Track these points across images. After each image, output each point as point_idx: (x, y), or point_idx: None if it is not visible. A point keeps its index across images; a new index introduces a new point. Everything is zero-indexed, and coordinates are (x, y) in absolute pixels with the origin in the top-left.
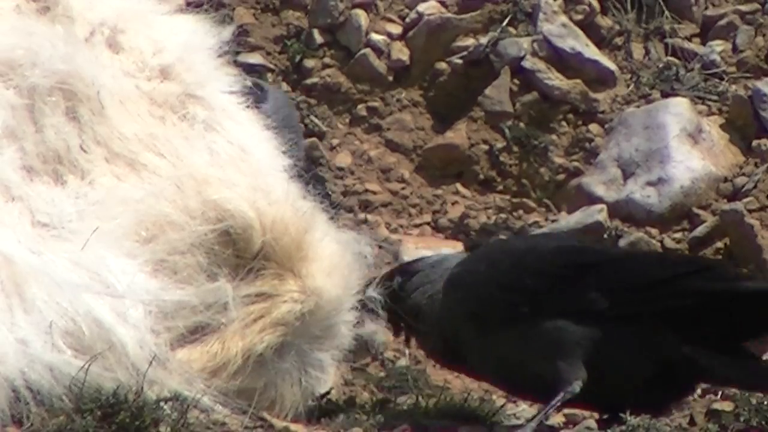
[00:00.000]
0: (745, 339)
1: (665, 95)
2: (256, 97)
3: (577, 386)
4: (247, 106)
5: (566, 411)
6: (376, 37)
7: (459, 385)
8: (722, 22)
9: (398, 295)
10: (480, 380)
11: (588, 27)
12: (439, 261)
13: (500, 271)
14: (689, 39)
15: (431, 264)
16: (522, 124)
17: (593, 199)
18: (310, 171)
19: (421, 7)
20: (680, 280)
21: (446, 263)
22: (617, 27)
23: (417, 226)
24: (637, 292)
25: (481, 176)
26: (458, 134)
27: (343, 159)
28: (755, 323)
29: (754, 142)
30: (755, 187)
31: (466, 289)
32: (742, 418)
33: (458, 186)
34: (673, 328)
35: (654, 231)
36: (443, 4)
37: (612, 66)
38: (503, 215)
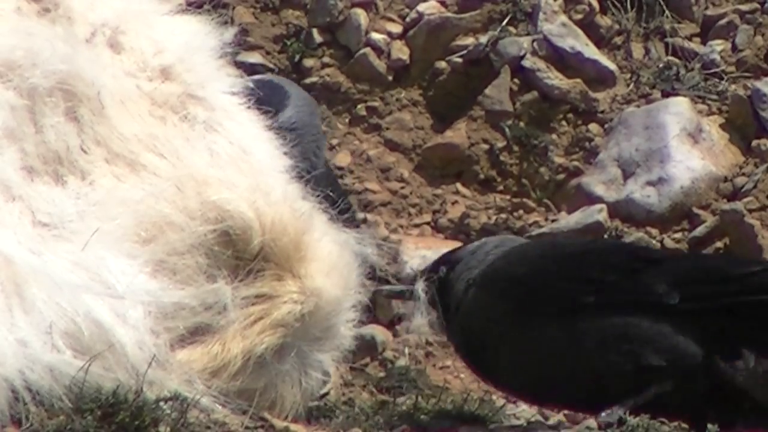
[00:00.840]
0: None
1: (665, 95)
2: (274, 100)
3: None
4: (248, 107)
5: (566, 411)
6: (375, 36)
7: (459, 385)
8: (722, 21)
9: (443, 286)
10: (503, 390)
11: (588, 26)
12: (479, 246)
13: (558, 262)
14: (689, 38)
15: (471, 251)
16: (522, 124)
17: (593, 199)
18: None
19: (421, 7)
20: (752, 276)
21: (485, 248)
22: (617, 26)
23: (417, 225)
24: (708, 286)
25: (481, 176)
26: (458, 134)
27: (343, 158)
28: None
29: (754, 142)
30: (755, 187)
31: (512, 281)
32: (741, 418)
33: (458, 186)
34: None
35: (654, 231)
36: (443, 3)
37: (612, 65)
38: (503, 215)
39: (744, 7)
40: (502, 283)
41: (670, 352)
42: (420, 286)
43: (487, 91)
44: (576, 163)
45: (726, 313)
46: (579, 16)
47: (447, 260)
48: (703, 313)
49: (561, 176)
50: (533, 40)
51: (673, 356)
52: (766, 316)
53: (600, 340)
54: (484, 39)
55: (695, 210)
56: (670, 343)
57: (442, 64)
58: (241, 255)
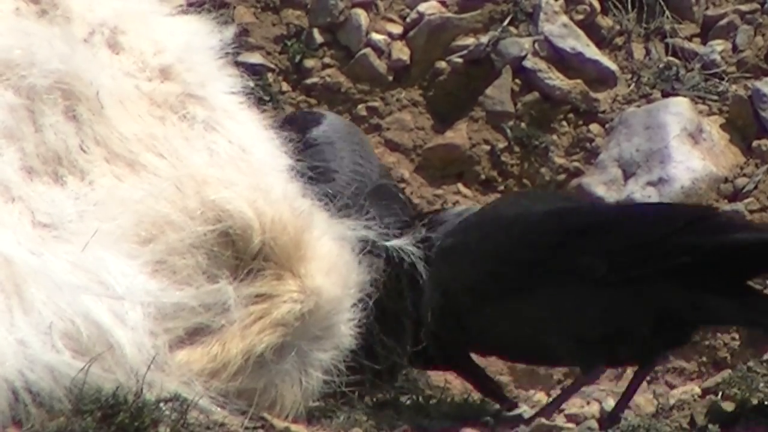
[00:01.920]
0: (749, 277)
1: (666, 95)
2: (304, 122)
3: (598, 373)
4: (248, 106)
5: (567, 411)
6: (376, 36)
7: (459, 385)
8: (722, 22)
9: (420, 246)
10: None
11: (589, 27)
12: (463, 211)
13: (492, 243)
14: (689, 39)
15: (456, 214)
16: (523, 124)
17: (594, 200)
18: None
19: (422, 7)
20: (672, 237)
21: (468, 213)
22: (618, 27)
23: None
24: (630, 254)
25: (482, 176)
26: (459, 134)
27: None
28: (756, 264)
29: (755, 143)
30: (756, 187)
31: (460, 262)
32: (742, 418)
33: (459, 186)
34: (674, 277)
35: None
36: (444, 3)
37: (613, 66)
38: None
39: (744, 8)
40: (451, 265)
41: (608, 324)
42: (402, 242)
43: (488, 91)
44: (577, 163)
45: (660, 276)
46: (580, 17)
47: (431, 221)
48: (636, 280)
49: (562, 177)
50: (534, 41)
51: (612, 327)
52: (698, 273)
53: (539, 318)
54: (484, 39)
55: None
56: (607, 315)
57: (443, 65)
58: (240, 254)
